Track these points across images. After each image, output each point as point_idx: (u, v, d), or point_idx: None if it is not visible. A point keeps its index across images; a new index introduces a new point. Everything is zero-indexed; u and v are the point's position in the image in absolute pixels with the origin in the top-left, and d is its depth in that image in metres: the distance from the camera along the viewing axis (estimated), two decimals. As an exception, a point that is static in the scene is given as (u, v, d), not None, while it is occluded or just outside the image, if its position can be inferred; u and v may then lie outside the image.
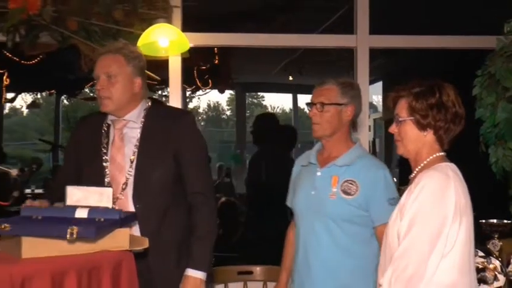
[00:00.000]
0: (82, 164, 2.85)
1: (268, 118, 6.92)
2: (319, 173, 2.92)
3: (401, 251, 2.25)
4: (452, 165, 2.37)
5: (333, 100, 2.90)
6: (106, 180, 2.81)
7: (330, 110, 2.89)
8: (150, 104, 2.94)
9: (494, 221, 3.11)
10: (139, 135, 2.84)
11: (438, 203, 2.25)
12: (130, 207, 2.77)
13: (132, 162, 2.81)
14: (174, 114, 2.99)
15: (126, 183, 2.79)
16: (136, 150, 2.82)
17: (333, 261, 2.85)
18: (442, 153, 2.40)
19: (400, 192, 2.71)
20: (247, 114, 16.26)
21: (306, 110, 3.23)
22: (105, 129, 2.90)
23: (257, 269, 3.65)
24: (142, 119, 2.87)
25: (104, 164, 2.83)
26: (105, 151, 2.85)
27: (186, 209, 2.85)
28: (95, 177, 2.79)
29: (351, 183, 2.85)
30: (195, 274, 2.76)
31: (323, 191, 2.88)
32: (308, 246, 2.90)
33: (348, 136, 2.98)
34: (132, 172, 2.80)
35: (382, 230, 2.60)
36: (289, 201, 3.14)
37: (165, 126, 2.85)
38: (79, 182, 2.72)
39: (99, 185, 2.72)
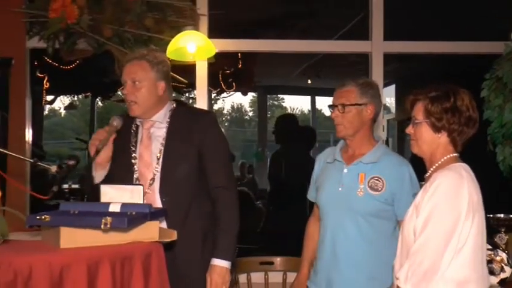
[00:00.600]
0: (112, 160, 2.86)
1: (289, 119, 6.89)
2: (346, 170, 2.89)
3: (417, 247, 2.24)
4: (465, 165, 2.35)
5: (353, 101, 2.88)
6: (135, 176, 2.83)
7: (351, 110, 2.87)
8: (174, 105, 2.95)
9: (501, 215, 3.09)
10: (165, 134, 2.86)
11: (452, 201, 2.23)
12: (158, 201, 2.79)
13: (158, 159, 2.83)
14: (197, 114, 3.01)
15: (153, 179, 2.81)
16: (162, 148, 2.84)
17: (360, 253, 2.83)
18: (456, 154, 2.38)
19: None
20: (268, 115, 16.29)
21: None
22: (134, 129, 2.93)
23: (277, 260, 3.65)
24: (168, 119, 2.89)
25: (133, 161, 2.86)
26: (133, 149, 2.87)
27: (210, 201, 2.86)
28: (124, 173, 2.82)
29: (377, 180, 2.83)
30: (220, 263, 2.77)
31: (351, 187, 2.85)
32: (336, 240, 2.87)
33: (370, 134, 2.95)
34: (159, 168, 2.82)
35: None
36: (311, 196, 3.12)
37: (189, 125, 2.87)
38: (109, 176, 2.78)
39: (128, 180, 2.77)
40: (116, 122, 2.80)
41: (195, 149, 2.84)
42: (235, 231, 2.84)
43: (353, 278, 2.85)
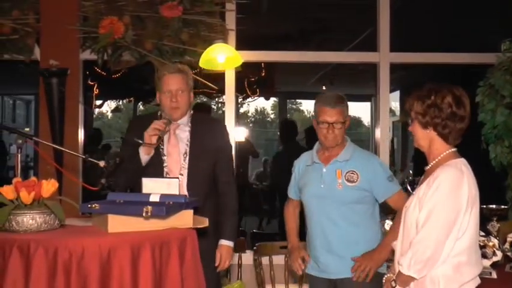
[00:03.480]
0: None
1: (289, 123, 7.03)
2: (324, 170, 2.95)
3: (420, 237, 2.22)
4: (464, 161, 2.31)
5: (343, 119, 2.92)
6: (165, 170, 2.91)
7: (342, 126, 2.92)
8: (192, 111, 3.06)
9: (493, 206, 3.05)
10: (189, 136, 2.96)
11: (453, 196, 2.20)
12: (184, 191, 2.85)
13: (185, 157, 2.92)
14: (212, 121, 3.25)
15: (181, 173, 2.90)
16: (187, 148, 2.93)
17: (349, 235, 2.90)
18: (453, 150, 2.34)
19: (416, 181, 2.69)
20: (287, 117, 16.20)
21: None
22: None
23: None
24: (189, 124, 2.99)
25: (163, 157, 2.92)
26: (162, 147, 2.93)
27: (217, 194, 2.99)
28: (155, 169, 2.87)
29: (352, 173, 2.90)
30: (228, 243, 2.97)
31: (331, 183, 2.91)
32: (325, 228, 2.93)
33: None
34: (186, 165, 2.91)
35: (392, 201, 2.91)
36: (292, 194, 3.16)
37: (207, 130, 2.99)
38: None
39: (159, 174, 2.85)
40: (168, 117, 2.90)
41: (213, 150, 2.96)
42: (237, 217, 3.07)
43: (347, 255, 2.89)
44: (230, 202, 3.00)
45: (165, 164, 2.92)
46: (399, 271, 2.29)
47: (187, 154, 2.93)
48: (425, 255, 2.20)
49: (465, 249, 2.24)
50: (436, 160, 2.33)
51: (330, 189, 2.91)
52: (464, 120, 2.31)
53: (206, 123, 3.05)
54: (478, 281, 2.29)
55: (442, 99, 2.29)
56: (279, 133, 6.40)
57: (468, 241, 2.24)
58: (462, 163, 2.29)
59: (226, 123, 3.99)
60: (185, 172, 2.91)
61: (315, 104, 2.97)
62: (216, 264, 2.95)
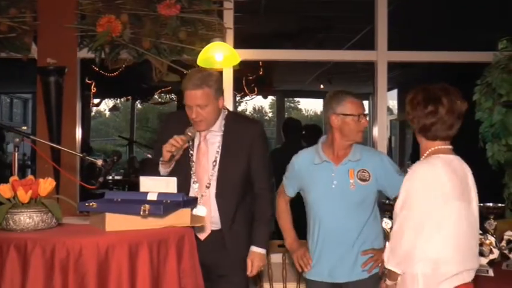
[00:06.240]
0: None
1: (288, 121, 7.00)
2: (337, 169, 2.87)
3: (393, 231, 2.25)
4: (447, 157, 2.28)
5: None
6: (192, 179, 2.78)
7: None
8: (227, 112, 2.89)
9: (490, 204, 3.05)
10: (221, 142, 2.81)
11: (422, 190, 2.21)
12: (213, 203, 2.76)
13: (214, 165, 2.78)
14: (247, 123, 2.95)
15: (209, 183, 2.78)
16: (218, 155, 2.79)
17: (359, 236, 2.84)
18: (440, 146, 2.31)
19: None
20: (285, 116, 16.20)
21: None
22: None
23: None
24: (223, 127, 2.83)
25: (191, 165, 2.80)
26: (192, 153, 2.82)
27: (250, 201, 2.86)
28: (182, 176, 2.70)
29: (363, 172, 2.85)
30: (260, 250, 2.84)
31: (343, 183, 2.85)
32: (335, 226, 2.85)
33: None
34: (215, 174, 2.77)
35: None
36: (290, 191, 3.04)
37: (241, 133, 2.82)
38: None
39: (186, 184, 2.73)
40: (191, 133, 2.74)
41: (245, 156, 2.81)
42: (270, 225, 2.92)
43: (357, 250, 2.86)
44: (265, 209, 2.85)
45: (192, 171, 2.79)
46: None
47: (217, 163, 2.77)
48: (402, 248, 2.21)
49: (448, 246, 2.21)
50: (422, 158, 2.34)
51: (342, 190, 2.84)
52: (435, 116, 2.28)
53: (241, 126, 2.85)
54: (463, 279, 2.24)
55: (413, 96, 2.32)
56: (282, 131, 6.36)
57: (447, 239, 2.21)
58: (440, 159, 2.27)
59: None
60: (214, 182, 2.76)
61: (342, 99, 2.89)
62: (248, 272, 2.83)
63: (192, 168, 2.80)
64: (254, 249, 2.83)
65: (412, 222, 2.20)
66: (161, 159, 2.70)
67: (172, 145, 2.65)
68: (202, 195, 2.75)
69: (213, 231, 2.77)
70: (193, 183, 2.77)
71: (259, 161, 2.83)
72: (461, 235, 2.25)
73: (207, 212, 2.71)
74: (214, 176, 2.77)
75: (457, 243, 2.24)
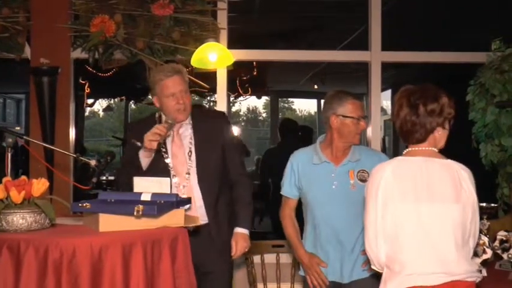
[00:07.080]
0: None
1: (285, 122, 7.00)
2: (337, 170, 2.87)
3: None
4: (406, 158, 2.22)
5: None
6: (171, 173, 2.84)
7: None
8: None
9: (484, 204, 3.05)
10: (192, 134, 2.91)
11: (370, 190, 2.22)
12: (196, 190, 2.84)
13: (190, 155, 2.87)
14: (214, 114, 3.17)
15: (188, 173, 2.86)
16: (191, 146, 2.89)
17: (360, 236, 2.78)
18: (410, 149, 2.25)
19: None
20: (279, 116, 16.22)
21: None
22: None
23: (287, 243, 3.64)
24: (191, 120, 2.93)
25: (166, 160, 2.86)
26: (164, 150, 2.86)
27: (230, 187, 2.98)
28: (159, 173, 2.74)
29: (363, 172, 2.86)
30: (243, 231, 2.94)
31: (343, 184, 2.85)
32: (339, 231, 2.85)
33: None
34: (192, 163, 2.86)
35: None
36: (290, 192, 3.01)
37: (209, 124, 2.95)
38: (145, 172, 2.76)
39: (165, 176, 2.74)
40: (171, 120, 2.81)
41: (219, 144, 2.93)
42: (252, 207, 3.02)
43: (358, 258, 2.85)
44: (244, 193, 2.97)
45: (170, 166, 2.85)
46: None
47: (192, 152, 2.87)
48: (367, 246, 2.22)
49: (388, 256, 2.17)
50: None
51: (342, 190, 2.84)
52: (398, 117, 2.23)
53: (208, 118, 3.03)
54: (423, 281, 2.09)
55: (396, 99, 2.27)
56: (279, 131, 6.36)
57: (388, 247, 2.16)
58: (397, 160, 2.23)
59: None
60: (193, 171, 2.85)
61: (343, 100, 2.85)
62: (232, 253, 2.91)
63: (169, 164, 2.86)
64: (237, 230, 2.93)
65: (366, 222, 2.21)
66: (143, 149, 2.73)
67: (156, 133, 2.70)
68: (184, 186, 2.82)
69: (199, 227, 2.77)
70: (173, 177, 2.82)
71: (231, 148, 2.99)
72: (428, 238, 2.13)
73: (191, 201, 2.69)
74: (193, 165, 2.86)
75: (428, 246, 2.12)
